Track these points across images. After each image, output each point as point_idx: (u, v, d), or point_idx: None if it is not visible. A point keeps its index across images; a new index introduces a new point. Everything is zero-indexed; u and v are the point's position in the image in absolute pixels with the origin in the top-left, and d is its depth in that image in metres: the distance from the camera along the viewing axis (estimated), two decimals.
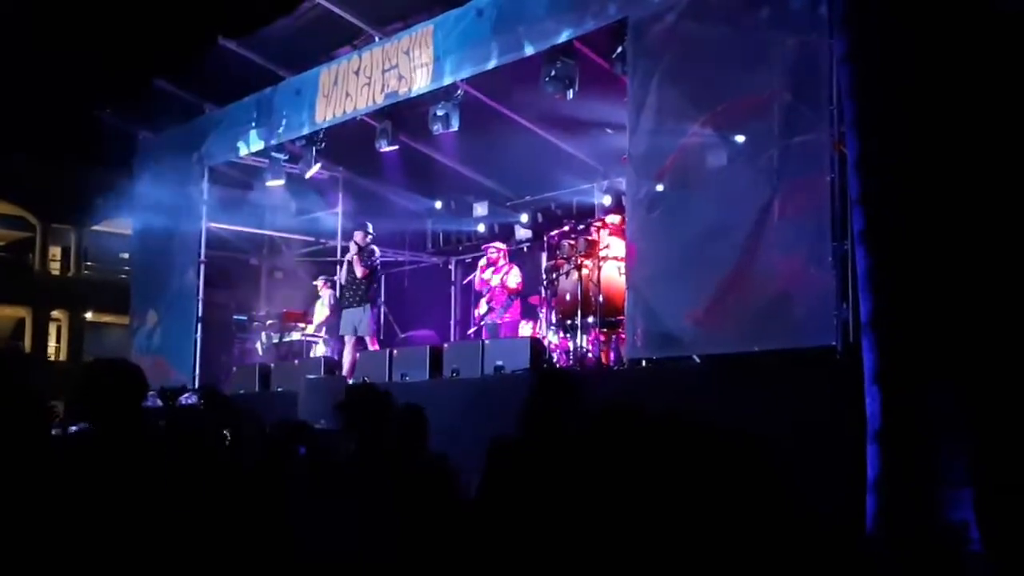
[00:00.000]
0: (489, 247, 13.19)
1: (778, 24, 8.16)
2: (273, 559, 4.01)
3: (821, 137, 7.76)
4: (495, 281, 12.73)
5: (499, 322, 12.49)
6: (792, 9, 8.13)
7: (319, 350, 14.44)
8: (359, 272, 12.46)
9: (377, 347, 12.64)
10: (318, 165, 13.73)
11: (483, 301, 12.88)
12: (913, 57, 6.05)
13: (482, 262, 13.15)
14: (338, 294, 13.21)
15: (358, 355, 12.34)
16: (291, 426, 5.47)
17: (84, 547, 3.54)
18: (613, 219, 11.20)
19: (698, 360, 8.40)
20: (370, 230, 12.80)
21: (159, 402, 10.03)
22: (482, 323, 12.72)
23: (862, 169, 6.27)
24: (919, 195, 5.94)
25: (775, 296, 7.84)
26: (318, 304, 15.03)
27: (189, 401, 8.54)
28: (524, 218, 15.02)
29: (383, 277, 15.80)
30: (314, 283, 15.26)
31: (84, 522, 3.58)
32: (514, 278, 12.71)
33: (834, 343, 7.40)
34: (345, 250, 13.09)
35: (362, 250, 12.53)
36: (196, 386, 13.35)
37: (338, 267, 14.63)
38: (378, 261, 12.93)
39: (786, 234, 7.88)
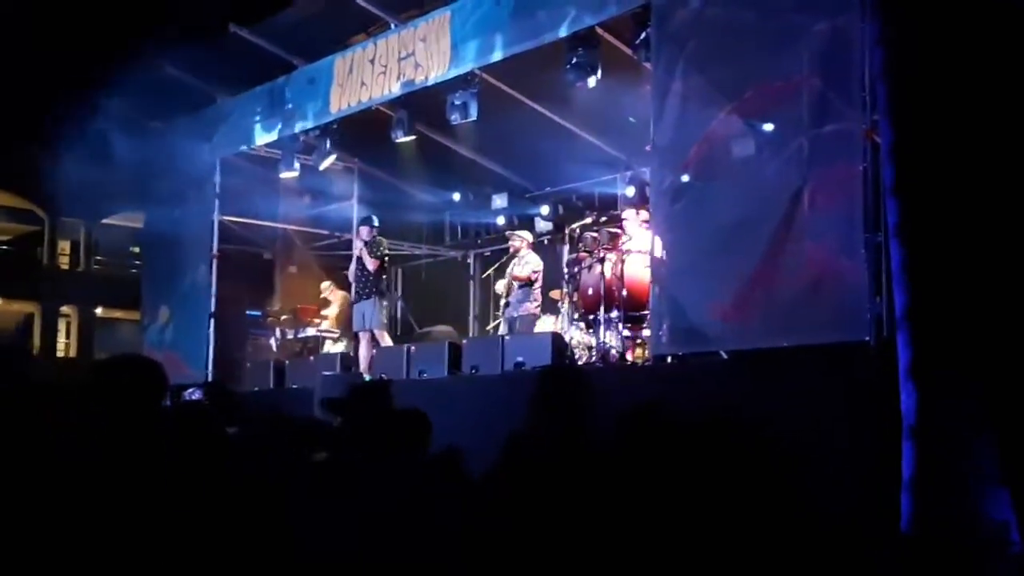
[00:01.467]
0: (513, 235, 12.91)
1: (807, 8, 7.91)
2: (273, 561, 3.86)
3: (852, 125, 7.51)
4: (511, 271, 12.50)
5: (515, 315, 12.25)
6: None
7: (336, 346, 14.26)
8: (370, 266, 12.31)
9: (389, 341, 12.43)
10: (333, 156, 13.52)
11: (502, 292, 12.64)
12: (949, 42, 5.86)
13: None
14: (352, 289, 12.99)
15: (374, 351, 12.15)
16: (304, 425, 5.28)
17: (87, 548, 3.41)
18: (632, 213, 10.94)
19: (725, 356, 8.18)
20: (375, 223, 12.63)
21: (196, 396, 9.87)
22: (504, 317, 12.49)
23: (896, 158, 6.07)
24: (955, 185, 5.77)
25: (805, 289, 7.61)
26: (331, 309, 14.85)
27: (193, 397, 8.33)
28: (544, 210, 14.78)
29: (400, 271, 15.62)
30: (321, 287, 15.07)
31: (90, 520, 3.46)
32: (522, 268, 12.38)
33: (867, 338, 7.17)
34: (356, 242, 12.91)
35: (368, 243, 12.36)
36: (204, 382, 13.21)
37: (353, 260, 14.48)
38: (386, 251, 12.73)
39: (816, 225, 7.65)
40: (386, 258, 12.72)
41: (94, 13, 19.42)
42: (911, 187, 5.88)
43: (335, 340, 14.54)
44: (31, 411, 3.97)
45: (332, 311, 14.89)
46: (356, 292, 12.65)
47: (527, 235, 12.91)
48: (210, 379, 13.82)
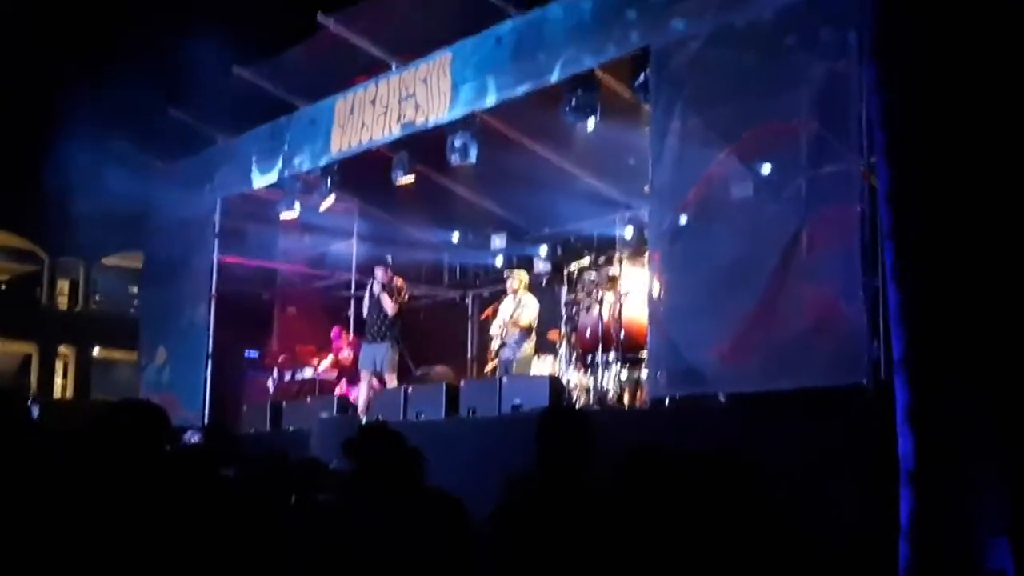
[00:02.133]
0: (511, 275, 12.81)
1: (805, 51, 7.96)
2: None
3: (850, 167, 7.53)
4: (508, 314, 12.37)
5: (512, 358, 12.16)
6: (820, 36, 7.91)
7: (336, 389, 14.18)
8: (390, 310, 12.19)
9: (395, 384, 12.35)
10: (333, 196, 13.52)
11: (496, 333, 12.49)
12: (948, 86, 5.86)
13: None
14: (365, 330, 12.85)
15: (372, 393, 12.08)
16: (306, 466, 5.24)
17: None
18: (638, 252, 10.93)
19: (723, 398, 8.12)
20: (390, 262, 12.57)
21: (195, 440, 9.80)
22: (500, 359, 12.37)
23: (893, 201, 6.05)
24: (953, 228, 5.74)
25: (804, 332, 7.59)
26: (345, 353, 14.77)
27: (192, 440, 8.28)
28: (543, 251, 14.75)
29: None
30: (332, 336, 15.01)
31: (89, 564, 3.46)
32: (523, 315, 12.25)
33: (865, 381, 7.14)
34: (360, 284, 12.86)
35: (386, 287, 12.26)
36: (203, 424, 13.14)
37: (353, 301, 14.45)
38: (407, 298, 12.66)
39: (815, 268, 7.64)
40: (404, 304, 12.59)
41: (95, 54, 19.53)
42: (909, 230, 5.85)
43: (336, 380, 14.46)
44: (32, 453, 3.94)
45: (347, 356, 14.75)
46: (369, 333, 12.50)
47: (524, 275, 12.80)
48: (208, 421, 13.78)
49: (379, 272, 12.47)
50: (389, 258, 12.71)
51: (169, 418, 4.03)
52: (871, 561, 5.99)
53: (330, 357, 14.85)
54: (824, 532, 6.53)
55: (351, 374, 13.85)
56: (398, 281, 12.51)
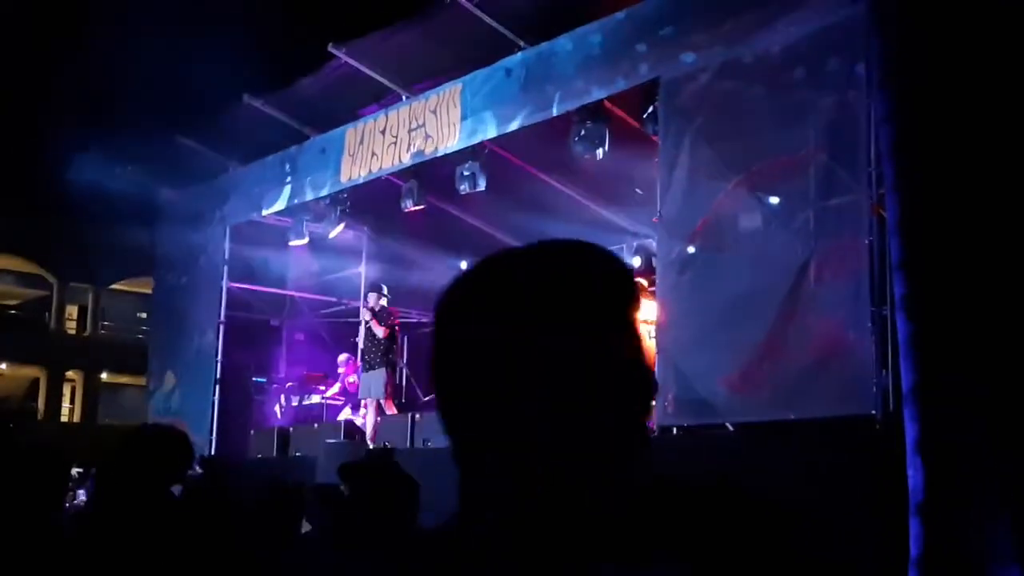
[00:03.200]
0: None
1: (814, 83, 8.02)
2: None
3: (859, 199, 7.57)
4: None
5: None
6: (828, 68, 7.98)
7: (341, 414, 14.21)
8: (380, 333, 12.30)
9: (394, 410, 12.40)
10: (342, 225, 13.60)
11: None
12: (956, 117, 5.90)
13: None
14: (359, 357, 12.99)
15: (379, 419, 12.11)
16: (300, 495, 5.20)
17: None
18: (642, 281, 10.96)
19: (732, 428, 8.14)
20: (385, 292, 12.64)
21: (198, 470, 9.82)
22: None
23: (903, 232, 6.07)
24: (963, 260, 5.76)
25: (812, 362, 7.60)
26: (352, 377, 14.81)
27: (194, 471, 8.28)
28: None
29: (406, 338, 15.58)
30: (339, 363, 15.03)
31: None
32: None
33: (873, 412, 7.15)
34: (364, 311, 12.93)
35: (376, 312, 12.36)
36: (209, 452, 13.18)
37: (361, 328, 14.50)
38: (397, 321, 12.74)
39: (823, 299, 7.67)
40: (396, 327, 12.70)
41: (109, 83, 19.68)
42: (919, 261, 5.87)
43: (343, 406, 14.48)
44: (40, 477, 3.94)
45: (353, 381, 14.78)
46: (365, 361, 12.63)
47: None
48: (214, 448, 13.81)
49: (372, 298, 12.63)
50: (384, 287, 12.77)
51: (192, 446, 4.02)
52: None
53: (337, 385, 14.87)
54: (833, 562, 6.53)
55: (356, 400, 13.91)
56: (388, 307, 12.58)
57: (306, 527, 5.51)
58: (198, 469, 9.57)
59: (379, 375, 12.29)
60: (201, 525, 4.06)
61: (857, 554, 6.62)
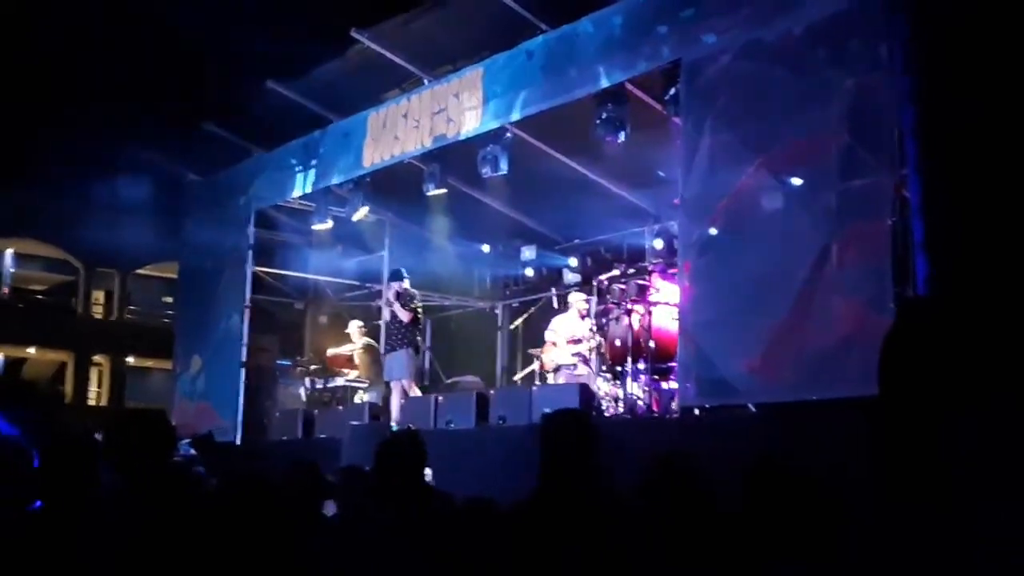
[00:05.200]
0: (580, 298, 12.18)
1: (836, 64, 8.00)
2: None
3: (881, 180, 7.56)
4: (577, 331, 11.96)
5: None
6: (850, 49, 7.95)
7: (367, 396, 14.31)
8: (404, 317, 12.35)
9: (417, 392, 12.48)
10: (365, 208, 13.66)
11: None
12: (979, 100, 5.89)
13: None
14: (382, 339, 13.06)
15: (403, 401, 12.20)
16: (309, 476, 5.15)
17: None
18: (663, 263, 10.99)
19: (754, 409, 8.16)
20: (405, 275, 12.70)
21: (192, 451, 9.87)
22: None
23: (926, 212, 6.09)
24: (987, 240, 5.76)
25: (834, 343, 7.61)
26: (350, 346, 14.91)
27: (189, 452, 8.35)
28: (573, 262, 14.84)
29: (429, 321, 15.69)
30: (350, 325, 15.08)
31: None
32: (585, 336, 11.76)
33: None
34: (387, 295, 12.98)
35: (401, 295, 12.42)
36: (235, 435, 13.29)
37: (382, 311, 14.60)
38: (419, 304, 12.80)
39: (845, 279, 7.67)
40: (419, 310, 12.75)
41: (134, 69, 19.78)
42: (941, 241, 5.88)
43: (365, 389, 14.58)
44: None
45: (351, 348, 14.88)
46: (387, 343, 12.70)
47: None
48: (241, 430, 13.96)
49: (394, 284, 12.63)
50: (404, 271, 12.83)
51: (172, 428, 4.06)
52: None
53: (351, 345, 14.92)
54: (855, 541, 6.54)
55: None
56: (411, 291, 12.63)
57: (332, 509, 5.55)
58: (192, 451, 9.65)
59: (402, 357, 12.35)
60: (187, 507, 4.07)
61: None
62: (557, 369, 11.52)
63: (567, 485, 4.17)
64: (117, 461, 3.79)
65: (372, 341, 14.82)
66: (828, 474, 6.77)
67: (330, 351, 15.18)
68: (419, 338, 12.90)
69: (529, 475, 4.73)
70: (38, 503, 3.89)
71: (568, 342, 11.73)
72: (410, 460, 4.47)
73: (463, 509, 4.35)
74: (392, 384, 12.57)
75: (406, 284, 12.62)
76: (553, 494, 4.17)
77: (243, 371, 14.36)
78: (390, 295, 12.57)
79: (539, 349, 12.07)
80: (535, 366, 12.69)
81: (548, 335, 11.85)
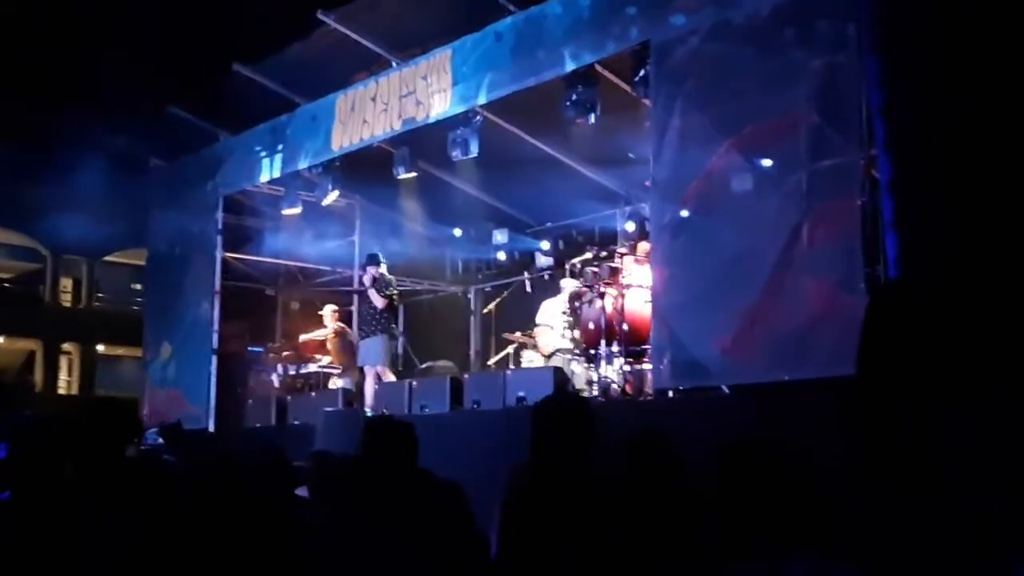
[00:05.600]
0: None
1: (804, 45, 8.00)
2: None
3: (851, 160, 7.58)
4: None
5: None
6: (818, 30, 7.96)
7: (340, 382, 14.27)
8: (379, 303, 12.30)
9: (392, 378, 12.45)
10: (335, 193, 13.58)
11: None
12: (949, 76, 5.91)
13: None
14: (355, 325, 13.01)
15: (377, 386, 12.17)
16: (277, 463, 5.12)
17: None
18: (641, 245, 10.95)
19: (727, 390, 8.19)
20: (381, 260, 12.64)
21: (160, 440, 9.77)
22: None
23: (896, 191, 6.10)
24: (956, 218, 5.79)
25: (806, 323, 7.64)
26: (323, 332, 14.88)
27: (157, 441, 8.25)
28: (545, 245, 14.82)
29: (402, 306, 15.64)
30: (324, 308, 15.03)
31: None
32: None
33: None
34: (363, 279, 12.92)
35: (377, 280, 12.37)
36: (207, 422, 13.21)
37: (356, 296, 14.55)
38: (395, 290, 12.76)
39: (816, 260, 7.70)
40: (395, 296, 12.70)
41: (96, 52, 19.56)
42: (911, 220, 5.91)
43: (339, 375, 14.54)
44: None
45: (323, 333, 14.86)
46: (362, 329, 12.65)
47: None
48: (212, 417, 13.88)
49: (370, 269, 12.56)
50: (380, 255, 12.77)
51: (139, 417, 4.05)
52: None
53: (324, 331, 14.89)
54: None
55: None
56: (388, 276, 12.57)
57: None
58: (159, 439, 9.54)
59: (378, 343, 12.32)
60: (152, 493, 4.05)
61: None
62: (554, 353, 11.46)
63: (560, 464, 4.22)
64: (77, 451, 3.76)
65: (345, 326, 14.78)
66: (800, 454, 6.82)
67: (302, 337, 15.15)
68: (394, 325, 12.83)
69: (504, 459, 4.74)
70: (6, 494, 3.86)
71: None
72: (402, 447, 4.45)
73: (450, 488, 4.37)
74: (366, 370, 12.54)
75: (383, 269, 12.55)
76: (547, 473, 4.21)
77: (214, 358, 14.28)
78: (366, 280, 12.51)
79: (525, 334, 11.94)
80: (510, 349, 12.67)
81: (541, 318, 11.77)
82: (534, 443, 4.31)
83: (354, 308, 14.78)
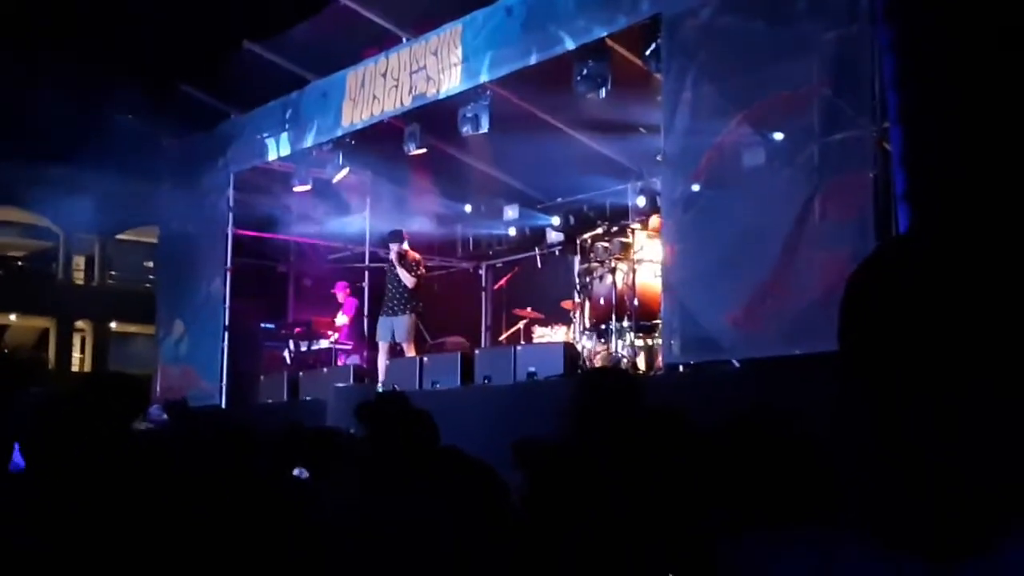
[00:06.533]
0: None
1: (816, 16, 7.94)
2: None
3: (863, 133, 7.53)
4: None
5: None
6: (830, 1, 7.90)
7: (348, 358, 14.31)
8: (409, 283, 12.22)
9: (414, 353, 12.41)
10: (346, 169, 13.57)
11: None
12: (961, 50, 5.87)
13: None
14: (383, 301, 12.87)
15: (388, 362, 12.17)
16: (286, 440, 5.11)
17: None
18: (652, 220, 10.93)
19: (737, 364, 8.18)
20: (405, 235, 12.59)
21: (165, 416, 9.81)
22: None
23: (908, 165, 6.08)
24: (968, 190, 5.76)
25: (817, 297, 7.60)
26: (341, 318, 14.90)
27: (161, 417, 8.27)
28: (555, 220, 14.80)
29: None
30: (333, 292, 15.05)
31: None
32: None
33: None
34: (374, 256, 12.92)
35: (404, 258, 12.28)
36: (220, 399, 13.25)
37: (367, 273, 14.57)
38: (423, 269, 12.70)
39: (828, 233, 7.66)
40: (422, 276, 12.65)
41: (108, 32, 19.55)
42: (923, 193, 5.89)
43: (348, 352, 14.56)
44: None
45: (344, 320, 14.89)
46: (388, 306, 12.50)
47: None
48: (225, 393, 13.95)
49: (394, 246, 12.47)
50: (403, 231, 12.72)
51: (145, 392, 4.06)
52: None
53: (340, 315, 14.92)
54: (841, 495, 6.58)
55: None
56: (413, 254, 12.52)
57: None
58: (164, 416, 9.57)
59: (405, 321, 12.24)
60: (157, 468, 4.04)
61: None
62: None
63: (603, 438, 4.21)
64: (83, 425, 3.76)
65: (358, 304, 14.80)
66: (810, 428, 6.82)
67: (337, 321, 15.09)
68: (420, 303, 12.68)
69: (513, 433, 4.75)
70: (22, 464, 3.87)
71: None
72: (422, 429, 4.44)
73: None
74: (380, 345, 12.51)
75: (406, 246, 12.48)
76: (590, 446, 4.20)
77: (226, 335, 14.32)
78: (392, 257, 12.40)
79: (570, 302, 11.76)
80: (521, 325, 12.67)
81: None
82: (578, 414, 4.26)
83: (365, 284, 14.77)
